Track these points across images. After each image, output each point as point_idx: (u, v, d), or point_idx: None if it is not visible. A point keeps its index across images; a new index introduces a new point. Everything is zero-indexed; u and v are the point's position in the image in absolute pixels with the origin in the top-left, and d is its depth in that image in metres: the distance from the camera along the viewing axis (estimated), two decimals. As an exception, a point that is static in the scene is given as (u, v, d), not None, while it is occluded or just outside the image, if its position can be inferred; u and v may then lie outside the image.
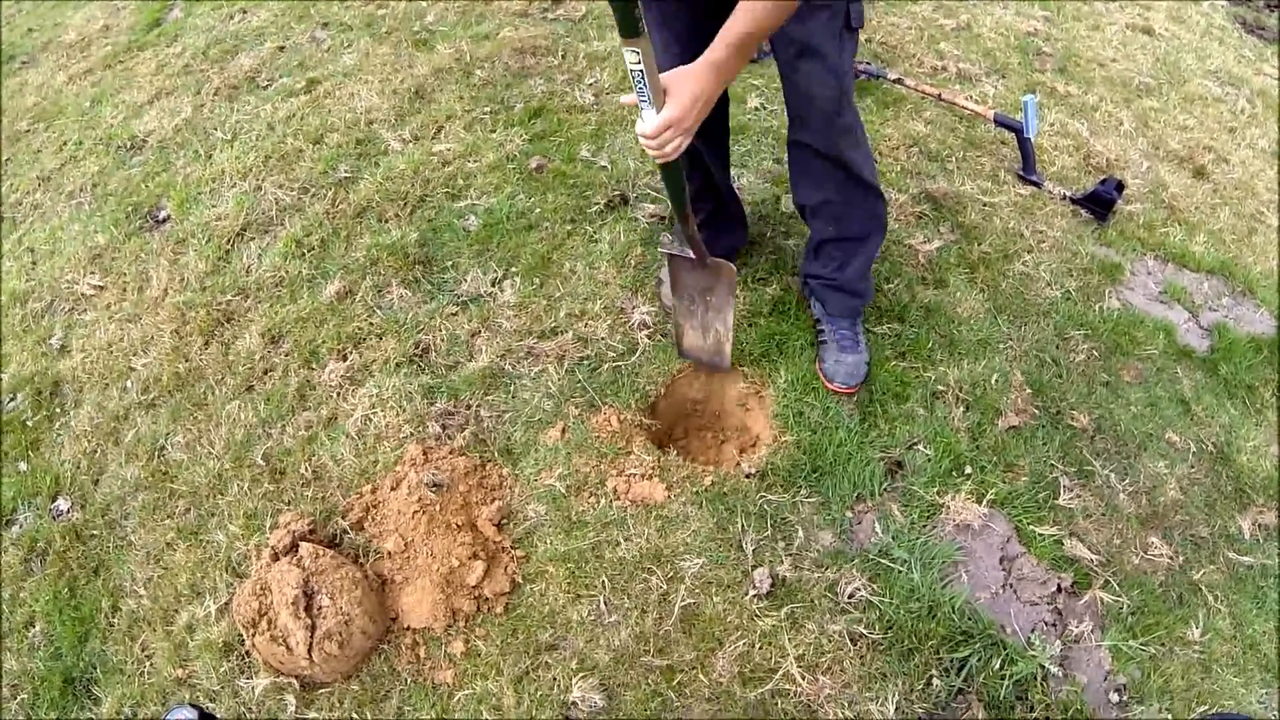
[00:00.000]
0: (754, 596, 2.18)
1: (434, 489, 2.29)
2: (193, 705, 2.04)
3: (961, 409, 2.59)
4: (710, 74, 1.77)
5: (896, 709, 2.05)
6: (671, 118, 1.75)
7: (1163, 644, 2.23)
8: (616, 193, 3.20)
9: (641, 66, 1.65)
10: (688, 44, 2.10)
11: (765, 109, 3.65)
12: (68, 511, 2.61)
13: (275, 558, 2.17)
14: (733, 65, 1.79)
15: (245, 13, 4.70)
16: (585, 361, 2.67)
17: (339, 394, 2.66)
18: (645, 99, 1.73)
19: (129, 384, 2.85)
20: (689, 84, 1.76)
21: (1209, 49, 4.81)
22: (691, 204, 2.42)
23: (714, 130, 2.52)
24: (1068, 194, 3.40)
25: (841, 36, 2.08)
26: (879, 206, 2.51)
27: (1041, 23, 4.61)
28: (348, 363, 2.73)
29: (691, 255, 2.32)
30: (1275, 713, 2.19)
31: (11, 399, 2.95)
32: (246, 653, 2.16)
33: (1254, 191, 3.76)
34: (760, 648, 2.11)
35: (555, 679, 2.08)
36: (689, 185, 2.28)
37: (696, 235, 2.24)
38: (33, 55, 5.05)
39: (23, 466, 2.75)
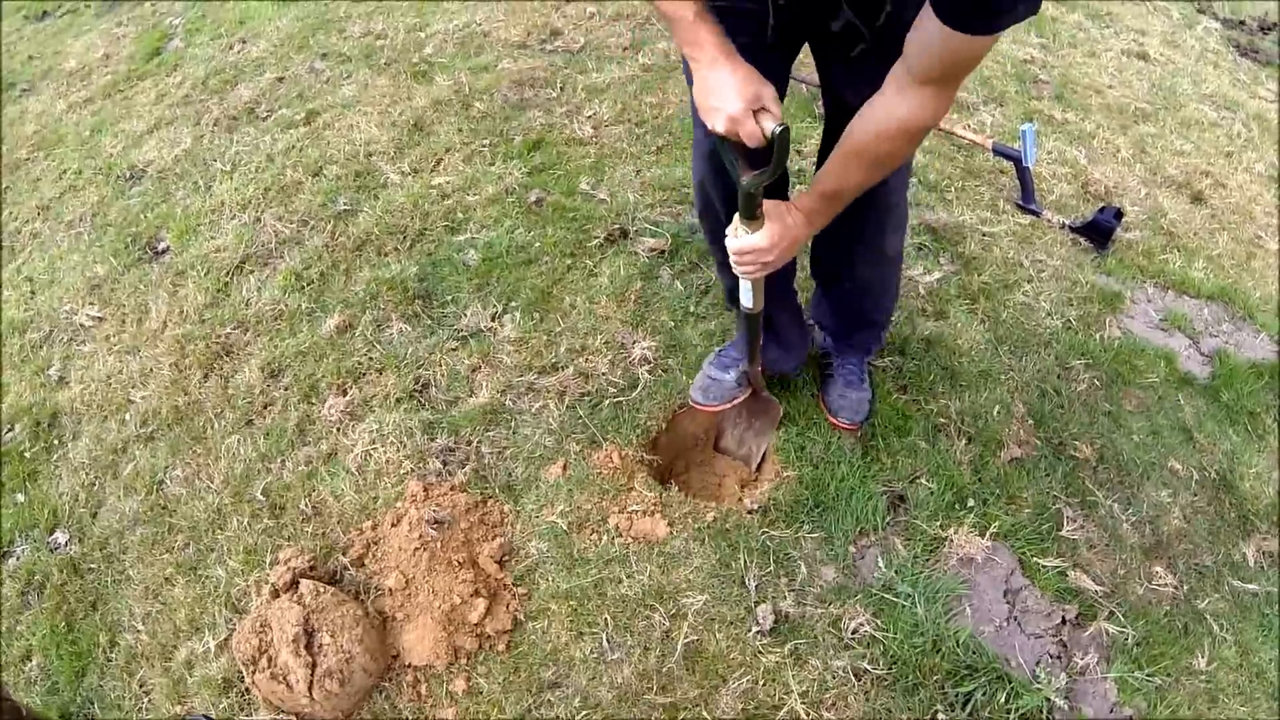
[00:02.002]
0: (757, 633, 2.17)
1: (435, 526, 2.28)
2: (206, 717, 2.04)
3: (963, 441, 2.59)
4: (802, 220, 1.82)
5: (902, 746, 2.04)
6: (757, 245, 1.79)
7: (1169, 674, 2.22)
8: (616, 226, 3.20)
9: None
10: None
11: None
12: (66, 544, 2.60)
13: (275, 594, 2.16)
14: (823, 216, 1.84)
15: (245, 43, 4.72)
16: (586, 397, 2.66)
17: (339, 429, 2.65)
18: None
19: (127, 416, 2.85)
20: (782, 221, 1.80)
21: (1204, 73, 4.84)
22: None
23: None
24: (1067, 223, 3.41)
25: None
26: (898, 276, 2.50)
27: (1038, 50, 4.64)
28: (348, 398, 2.72)
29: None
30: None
31: (9, 430, 2.95)
32: (246, 690, 2.15)
33: (1252, 216, 3.77)
34: (764, 685, 2.09)
35: (558, 717, 2.06)
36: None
37: (759, 373, 2.43)
38: (33, 83, 5.08)
39: (20, 498, 2.74)
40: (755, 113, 1.57)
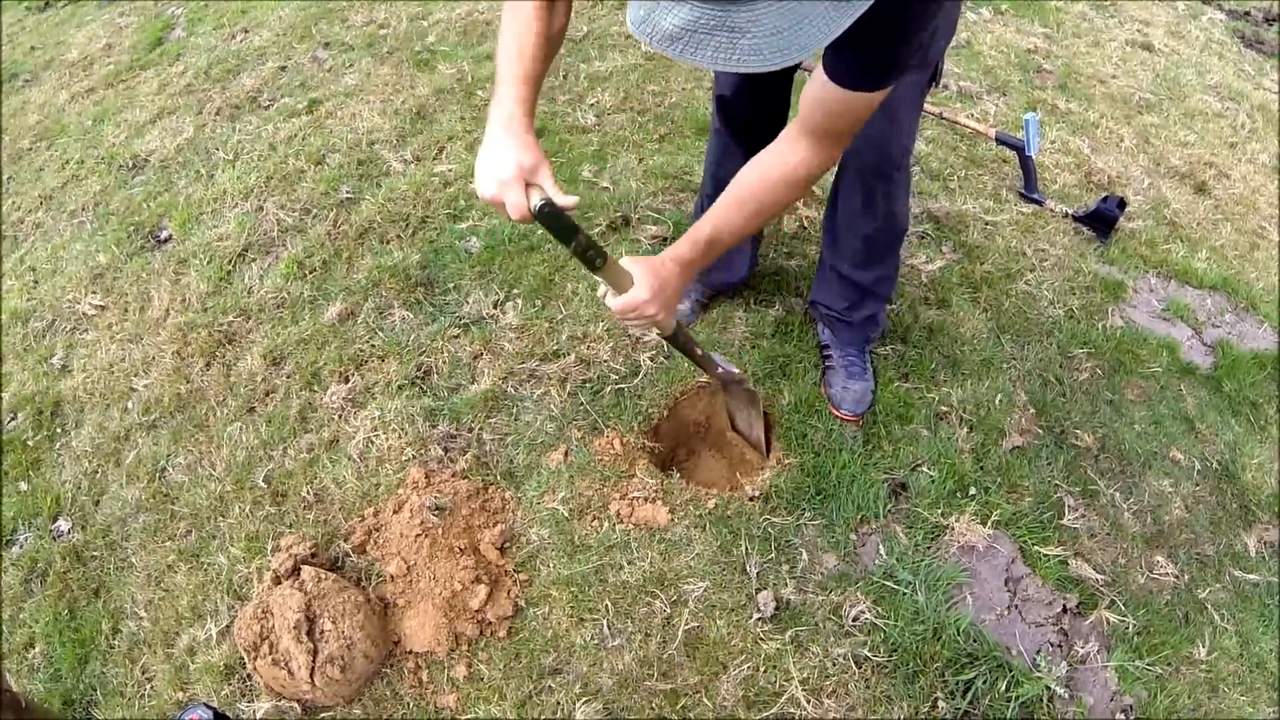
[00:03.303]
0: (758, 620, 2.17)
1: (436, 512, 2.29)
2: (207, 705, 2.04)
3: (965, 430, 2.58)
4: (676, 270, 1.78)
5: (902, 733, 2.04)
6: (638, 298, 1.74)
7: (1169, 664, 2.22)
8: (619, 214, 3.20)
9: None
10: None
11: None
12: (68, 532, 2.60)
13: (277, 581, 2.16)
14: (700, 260, 1.82)
15: (247, 32, 4.72)
16: (588, 384, 2.66)
17: (341, 416, 2.65)
18: (602, 281, 1.79)
19: (130, 405, 2.85)
20: (656, 273, 1.75)
21: (1208, 64, 4.83)
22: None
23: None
24: (1070, 212, 3.40)
25: (922, 93, 2.10)
26: (897, 256, 2.52)
27: (1042, 40, 4.63)
28: (349, 385, 2.72)
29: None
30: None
31: (12, 418, 2.95)
32: (248, 676, 2.15)
33: (1255, 207, 3.77)
34: (765, 671, 2.10)
35: (559, 703, 2.06)
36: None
37: (720, 375, 2.32)
38: (35, 73, 5.07)
39: (23, 486, 2.74)
40: (527, 186, 1.59)
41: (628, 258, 1.77)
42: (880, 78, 1.51)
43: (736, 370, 2.34)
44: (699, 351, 2.14)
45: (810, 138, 1.64)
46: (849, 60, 1.49)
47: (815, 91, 1.57)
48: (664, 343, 2.64)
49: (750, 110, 2.39)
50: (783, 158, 1.69)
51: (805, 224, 3.16)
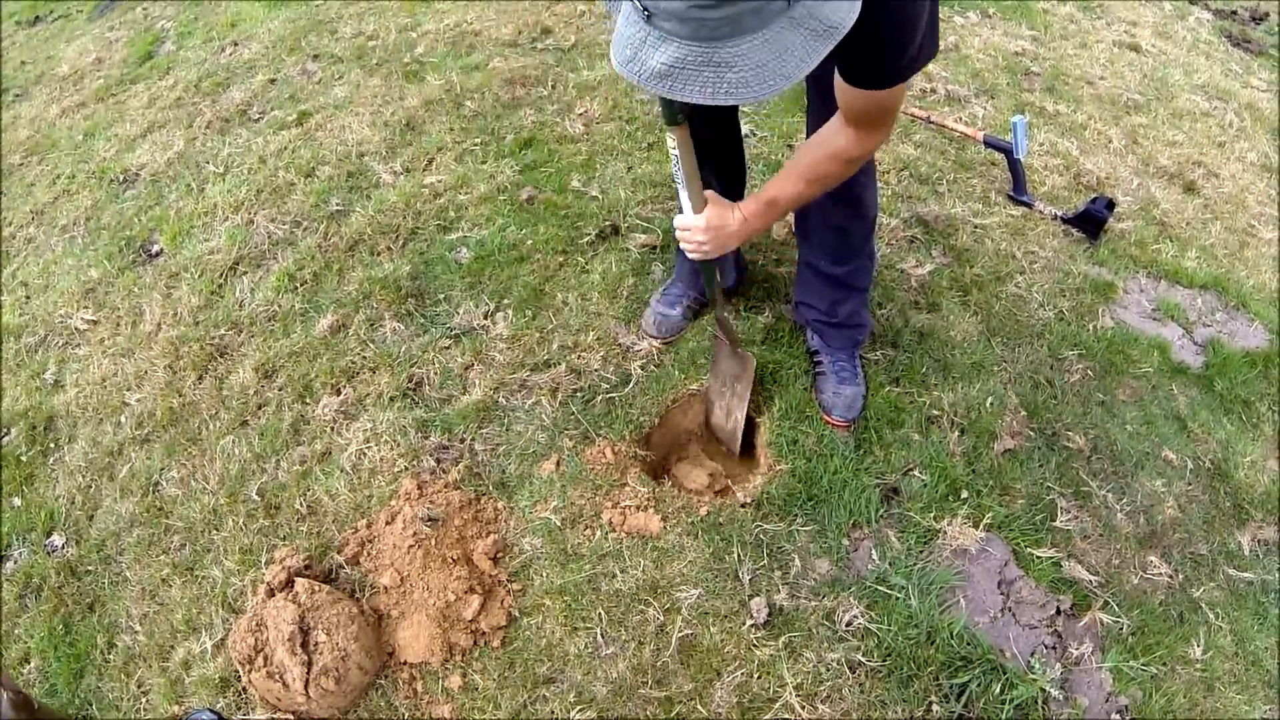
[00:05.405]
0: (751, 626, 2.17)
1: (429, 523, 2.29)
2: (211, 710, 2.04)
3: (956, 433, 2.59)
4: (740, 219, 2.01)
5: (897, 737, 2.04)
6: (694, 224, 2.00)
7: (1164, 663, 2.22)
8: (608, 223, 3.20)
9: (678, 151, 1.85)
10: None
11: (755, 135, 3.66)
12: (62, 547, 2.60)
13: (271, 593, 2.16)
14: (761, 219, 2.03)
15: (236, 45, 4.72)
16: (579, 393, 2.67)
17: (333, 428, 2.66)
18: (680, 183, 1.96)
19: (123, 419, 2.85)
20: (723, 212, 2.00)
21: (1196, 64, 4.84)
22: None
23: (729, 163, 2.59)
24: (1059, 214, 3.41)
25: None
26: (871, 244, 2.52)
27: (1029, 42, 4.64)
28: (341, 397, 2.73)
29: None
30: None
31: (5, 434, 2.95)
32: (243, 689, 2.15)
33: (1244, 205, 3.77)
34: (759, 678, 2.10)
35: (553, 712, 2.06)
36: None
37: (728, 320, 2.45)
38: (26, 88, 5.07)
39: (17, 502, 2.74)
40: None
41: (711, 192, 2.02)
42: (886, 81, 1.62)
43: (737, 335, 2.49)
44: (719, 287, 2.33)
45: (852, 126, 1.78)
46: (852, 68, 1.63)
47: (839, 89, 1.70)
48: (659, 339, 2.73)
49: (707, 133, 2.40)
50: (832, 139, 1.84)
51: (794, 231, 3.16)
